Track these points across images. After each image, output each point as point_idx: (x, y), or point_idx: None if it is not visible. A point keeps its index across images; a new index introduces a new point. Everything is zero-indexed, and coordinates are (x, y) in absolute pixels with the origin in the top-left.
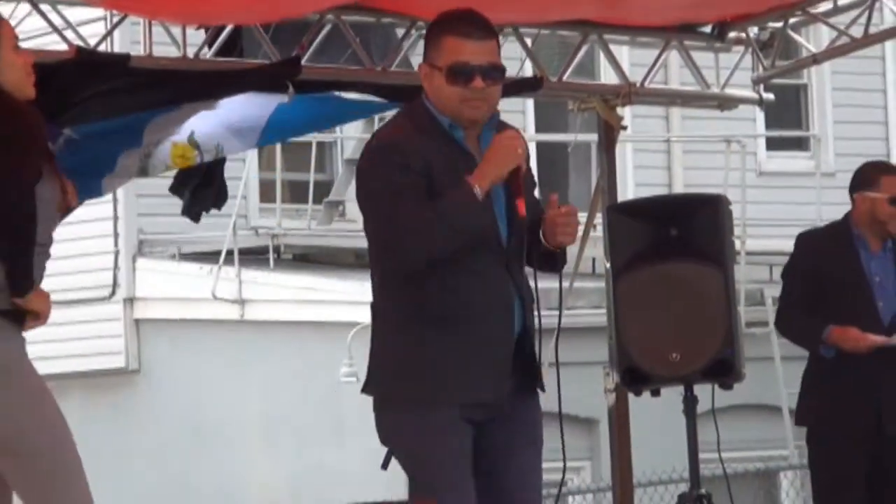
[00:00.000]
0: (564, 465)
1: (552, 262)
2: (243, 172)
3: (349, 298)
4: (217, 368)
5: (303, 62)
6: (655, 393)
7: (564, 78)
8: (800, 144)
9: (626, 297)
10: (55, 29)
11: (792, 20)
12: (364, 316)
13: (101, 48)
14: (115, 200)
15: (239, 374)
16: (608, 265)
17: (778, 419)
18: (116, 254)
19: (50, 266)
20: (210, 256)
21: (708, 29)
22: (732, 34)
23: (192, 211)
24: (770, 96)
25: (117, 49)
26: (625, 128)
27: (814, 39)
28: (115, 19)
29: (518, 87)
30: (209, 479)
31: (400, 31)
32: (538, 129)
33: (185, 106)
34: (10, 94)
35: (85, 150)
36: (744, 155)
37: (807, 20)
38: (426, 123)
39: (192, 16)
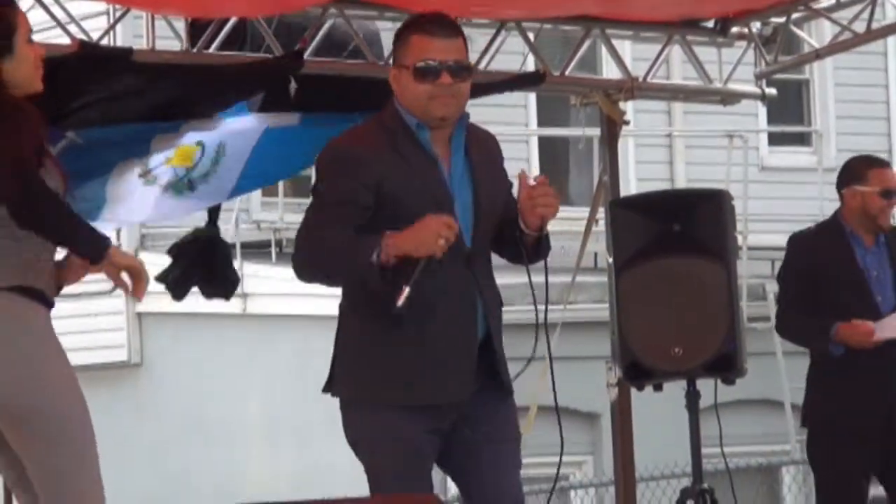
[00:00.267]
0: (560, 460)
1: (538, 248)
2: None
3: None
4: (219, 362)
5: (305, 56)
6: (658, 388)
7: (567, 72)
8: (802, 140)
9: (629, 292)
10: (58, 23)
11: (794, 15)
12: None
13: (104, 42)
14: None
15: (241, 367)
16: (610, 260)
17: (780, 414)
18: (119, 247)
19: None
20: None
21: (710, 24)
22: (735, 29)
23: (177, 290)
24: (772, 91)
25: (120, 43)
26: (627, 122)
27: (816, 34)
28: (118, 13)
29: (520, 82)
30: (210, 473)
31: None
32: (540, 124)
33: (184, 126)
34: (10, 89)
35: (89, 156)
36: (746, 150)
37: (809, 15)
38: (392, 122)
39: (194, 9)
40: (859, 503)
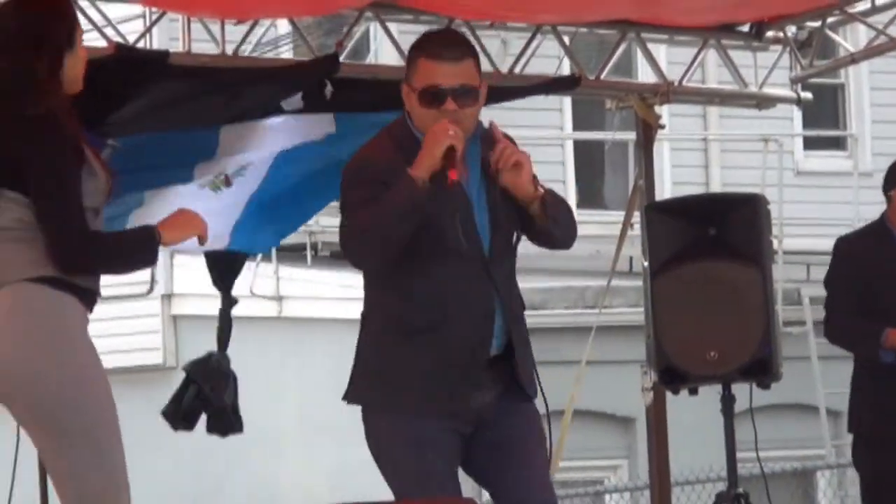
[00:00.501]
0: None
1: (549, 216)
2: None
3: None
4: (254, 365)
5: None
6: (693, 392)
7: (602, 76)
8: (837, 144)
9: (664, 296)
10: (95, 26)
11: (830, 19)
12: None
13: (140, 45)
14: None
15: (276, 370)
16: (646, 264)
17: (815, 418)
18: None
19: None
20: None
21: (746, 28)
22: (770, 33)
23: (186, 422)
24: (808, 95)
25: (156, 46)
26: (662, 126)
27: (851, 39)
28: (154, 16)
29: (556, 86)
30: (246, 476)
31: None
32: (576, 128)
33: (224, 129)
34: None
35: (130, 174)
36: (781, 154)
37: (845, 19)
38: (406, 142)
39: (229, 11)
40: None
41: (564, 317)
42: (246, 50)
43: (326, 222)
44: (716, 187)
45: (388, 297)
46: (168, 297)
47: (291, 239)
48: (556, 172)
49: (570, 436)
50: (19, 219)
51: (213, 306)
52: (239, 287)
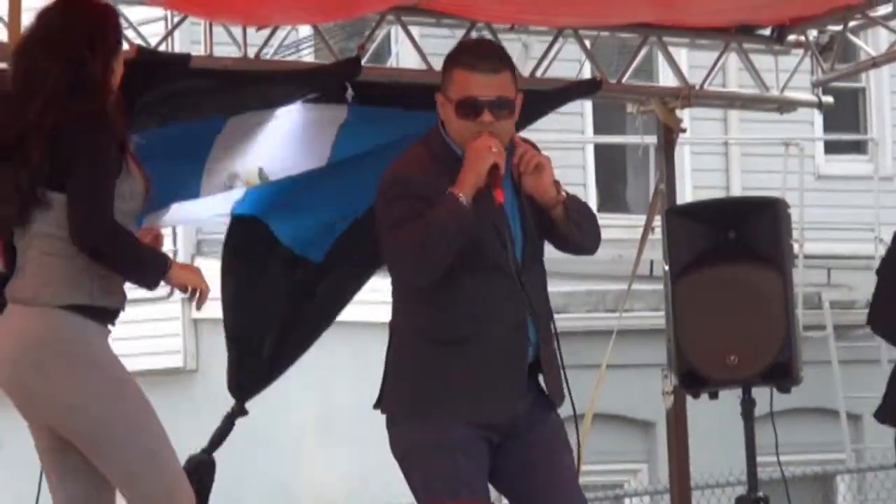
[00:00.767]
0: (579, 456)
1: (572, 220)
2: None
3: None
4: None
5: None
6: (713, 395)
7: (623, 80)
8: (858, 148)
9: (685, 300)
10: None
11: (851, 23)
12: None
13: (162, 48)
14: None
15: (295, 374)
16: (666, 268)
17: (835, 423)
18: (175, 253)
19: None
20: None
21: (767, 32)
22: (792, 37)
23: None
24: (829, 99)
25: (178, 49)
26: (684, 130)
27: (873, 43)
28: (176, 19)
29: (577, 89)
30: (266, 479)
31: (459, 34)
32: (597, 131)
33: (248, 114)
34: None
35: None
36: (802, 158)
37: (866, 23)
38: (442, 153)
39: (251, 17)
40: None
41: (585, 320)
42: (268, 53)
43: None
44: (736, 191)
45: (421, 308)
46: (189, 301)
47: None
48: (577, 176)
49: (591, 440)
50: (61, 226)
51: None
52: None
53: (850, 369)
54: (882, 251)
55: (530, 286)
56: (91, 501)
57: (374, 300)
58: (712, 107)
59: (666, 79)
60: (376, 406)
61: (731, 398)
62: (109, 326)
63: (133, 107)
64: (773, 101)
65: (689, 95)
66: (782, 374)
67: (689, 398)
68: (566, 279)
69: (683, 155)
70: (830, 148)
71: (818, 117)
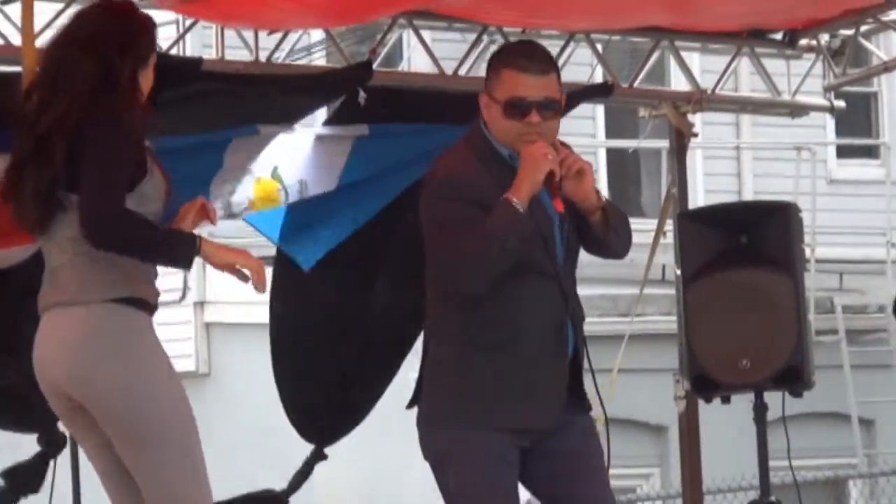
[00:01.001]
0: (609, 459)
1: (609, 224)
2: None
3: None
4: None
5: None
6: (725, 400)
7: (635, 84)
8: (870, 152)
9: (697, 304)
10: None
11: (863, 28)
12: None
13: (173, 52)
14: None
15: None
16: (678, 272)
17: (847, 427)
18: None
19: None
20: None
21: (779, 36)
22: (803, 41)
23: None
24: (841, 104)
25: (189, 53)
26: (696, 135)
27: (885, 47)
28: (188, 23)
29: (589, 93)
30: (279, 484)
31: (470, 38)
32: (608, 136)
33: (263, 130)
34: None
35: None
36: (814, 162)
37: (878, 27)
38: (486, 154)
39: (263, 21)
40: None
41: (597, 325)
42: (279, 57)
43: None
44: (748, 196)
45: (461, 311)
46: (201, 305)
47: None
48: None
49: (602, 443)
50: None
51: (247, 314)
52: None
53: (862, 374)
54: (895, 255)
55: (568, 291)
56: None
57: None
58: (724, 111)
59: (678, 83)
60: (410, 406)
61: (743, 402)
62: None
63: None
64: (784, 105)
65: (701, 100)
66: (794, 379)
67: (701, 402)
68: (578, 283)
69: (695, 159)
70: (842, 152)
71: (830, 121)
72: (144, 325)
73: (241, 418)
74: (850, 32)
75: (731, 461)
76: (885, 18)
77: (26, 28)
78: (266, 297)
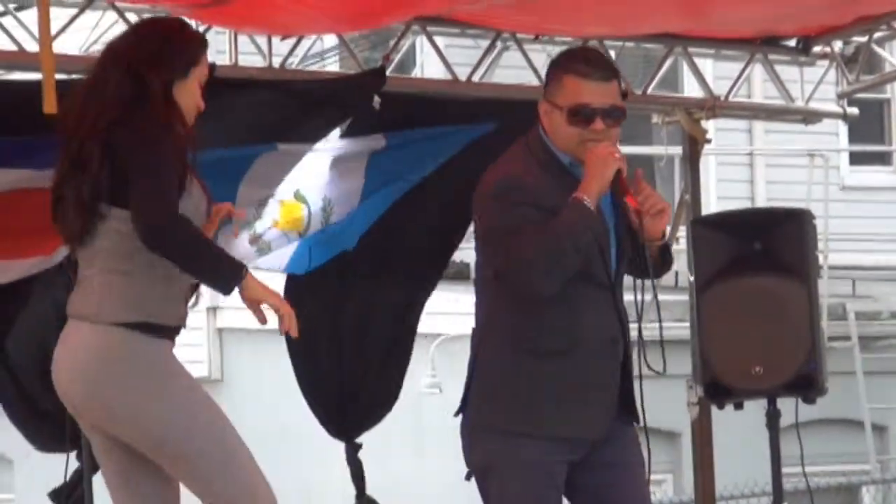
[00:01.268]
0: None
1: (663, 259)
2: None
3: (432, 309)
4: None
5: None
6: (738, 406)
7: (649, 91)
8: (882, 159)
9: (710, 311)
10: None
11: (877, 35)
12: (446, 327)
13: None
14: None
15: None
16: (692, 278)
17: (860, 434)
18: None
19: None
20: None
21: (792, 43)
22: (817, 48)
23: None
24: (854, 111)
25: None
26: (709, 141)
27: None
28: (201, 29)
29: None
30: (291, 489)
31: (483, 44)
32: (622, 142)
33: (282, 147)
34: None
35: None
36: (827, 169)
37: (891, 35)
38: (547, 161)
39: (276, 27)
40: None
41: None
42: (293, 63)
43: None
44: (761, 202)
45: (517, 318)
46: (213, 310)
47: None
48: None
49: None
50: (122, 243)
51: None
52: None
53: (874, 380)
54: None
55: (620, 299)
56: None
57: None
58: (737, 118)
59: (691, 89)
60: (458, 413)
61: (756, 409)
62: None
63: None
64: (798, 111)
65: (715, 106)
66: (807, 385)
67: (714, 409)
68: None
69: (708, 165)
70: (855, 159)
71: (843, 128)
72: (156, 352)
73: (254, 423)
74: (863, 39)
75: (743, 468)
76: None
77: (43, 34)
78: None
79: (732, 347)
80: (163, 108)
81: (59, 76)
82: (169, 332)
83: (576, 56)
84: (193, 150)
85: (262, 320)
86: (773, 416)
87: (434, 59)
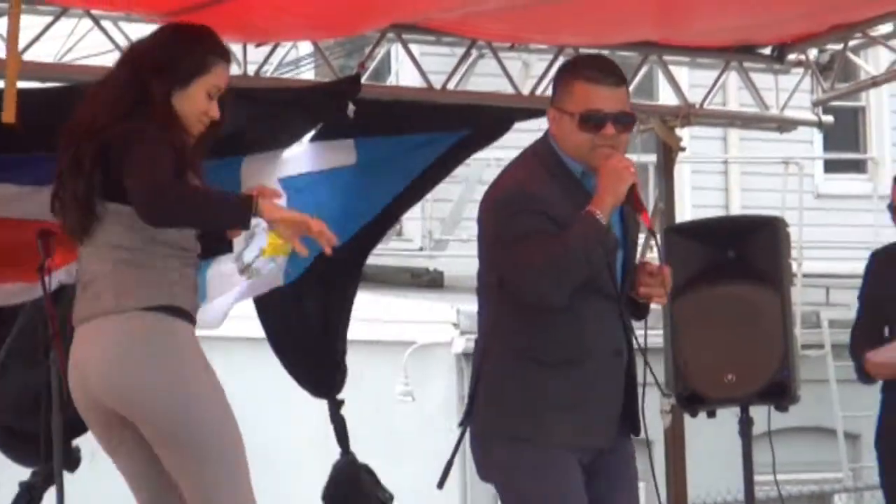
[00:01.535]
0: (655, 481)
1: (637, 310)
2: None
3: (405, 318)
4: (269, 387)
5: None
6: (711, 414)
7: None
8: (857, 167)
9: (683, 318)
10: (117, 46)
11: (851, 42)
12: (419, 336)
13: None
14: None
15: (292, 392)
16: None
17: (833, 442)
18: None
19: None
20: None
21: (767, 51)
22: (792, 56)
23: None
24: (829, 119)
25: None
26: (683, 149)
27: (873, 61)
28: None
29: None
30: (261, 499)
31: (459, 52)
32: None
33: (247, 159)
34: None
35: None
36: (801, 177)
37: (866, 42)
38: (557, 169)
39: (252, 33)
40: None
41: None
42: (268, 71)
43: None
44: (736, 210)
45: (523, 328)
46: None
47: None
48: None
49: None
50: (126, 235)
51: (228, 328)
52: (255, 308)
53: (848, 388)
54: None
55: (625, 314)
56: None
57: (371, 318)
58: (712, 125)
59: (666, 97)
60: (463, 423)
61: (728, 417)
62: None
63: None
64: (773, 119)
65: (689, 114)
66: (780, 393)
67: (687, 417)
68: None
69: (683, 173)
70: (830, 167)
71: (818, 136)
72: (183, 332)
73: None
74: (838, 47)
75: (716, 476)
76: (873, 33)
77: (12, 42)
78: (250, 311)
79: (705, 355)
80: (161, 114)
81: (33, 84)
82: (190, 317)
83: (586, 62)
84: (201, 157)
85: (303, 251)
86: (745, 424)
87: (409, 67)
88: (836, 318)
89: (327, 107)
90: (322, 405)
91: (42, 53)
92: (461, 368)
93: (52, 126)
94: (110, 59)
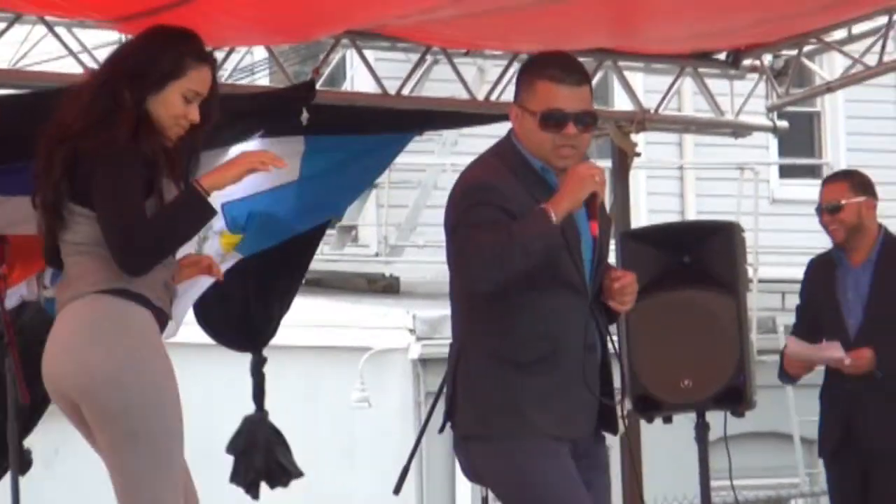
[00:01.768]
0: (639, 484)
1: (609, 310)
2: None
3: (361, 324)
4: (227, 393)
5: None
6: (667, 420)
7: None
8: (813, 172)
9: (638, 324)
10: (70, 52)
11: (806, 48)
12: (375, 342)
13: None
14: None
15: (250, 399)
16: None
17: (789, 447)
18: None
19: None
20: None
21: (723, 56)
22: (747, 62)
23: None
24: (784, 124)
25: None
26: (639, 154)
27: (828, 67)
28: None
29: None
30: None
31: (414, 58)
32: None
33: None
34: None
35: None
36: (757, 182)
37: (821, 48)
38: (518, 166)
39: (207, 38)
40: None
41: None
42: (222, 76)
43: None
44: (691, 215)
45: (494, 330)
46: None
47: None
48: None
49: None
50: (89, 233)
51: (188, 334)
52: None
53: (804, 393)
54: None
55: (596, 307)
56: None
57: (327, 324)
58: (667, 131)
59: (621, 103)
60: (442, 429)
61: (685, 422)
62: (159, 329)
63: None
64: (728, 125)
65: (644, 119)
66: (736, 399)
67: (643, 422)
68: None
69: (638, 179)
70: (785, 172)
71: (773, 141)
72: (137, 316)
73: (186, 440)
74: (793, 53)
75: (672, 481)
76: (827, 39)
77: None
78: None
79: (661, 361)
80: (132, 121)
81: None
82: (151, 305)
83: (548, 61)
84: (183, 158)
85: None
86: (701, 430)
87: (364, 73)
88: (792, 324)
89: (282, 113)
90: (279, 413)
91: None
92: (417, 374)
93: (21, 136)
94: (65, 65)
